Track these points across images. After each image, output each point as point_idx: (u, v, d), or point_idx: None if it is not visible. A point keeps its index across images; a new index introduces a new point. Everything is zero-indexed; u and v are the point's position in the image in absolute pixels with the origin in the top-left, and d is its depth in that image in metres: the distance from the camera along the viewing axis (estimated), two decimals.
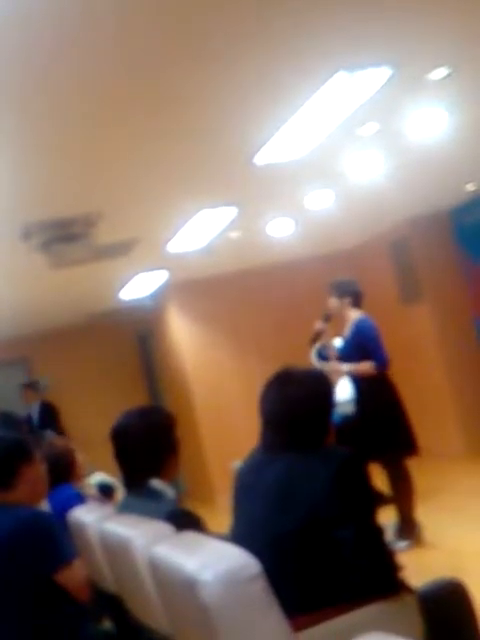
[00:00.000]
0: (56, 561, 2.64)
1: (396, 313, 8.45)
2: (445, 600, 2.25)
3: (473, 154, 5.89)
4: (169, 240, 6.46)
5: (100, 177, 4.64)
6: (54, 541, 2.66)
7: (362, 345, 5.05)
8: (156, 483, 2.76)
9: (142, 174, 4.70)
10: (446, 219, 8.17)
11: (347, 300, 5.19)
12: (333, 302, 5.25)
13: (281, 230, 6.85)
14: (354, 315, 5.19)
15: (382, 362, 5.01)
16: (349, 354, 5.10)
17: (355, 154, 5.24)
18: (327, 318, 5.26)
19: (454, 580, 2.34)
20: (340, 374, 5.00)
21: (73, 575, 2.65)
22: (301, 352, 5.54)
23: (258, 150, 4.64)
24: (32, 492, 2.86)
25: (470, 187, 7.21)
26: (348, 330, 5.21)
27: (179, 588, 1.74)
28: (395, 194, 6.48)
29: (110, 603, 2.77)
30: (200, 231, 6.25)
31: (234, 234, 6.70)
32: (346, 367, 5.03)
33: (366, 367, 5.00)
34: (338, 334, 5.36)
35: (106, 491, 3.92)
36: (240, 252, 7.58)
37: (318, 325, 5.25)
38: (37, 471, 2.91)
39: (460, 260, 8.17)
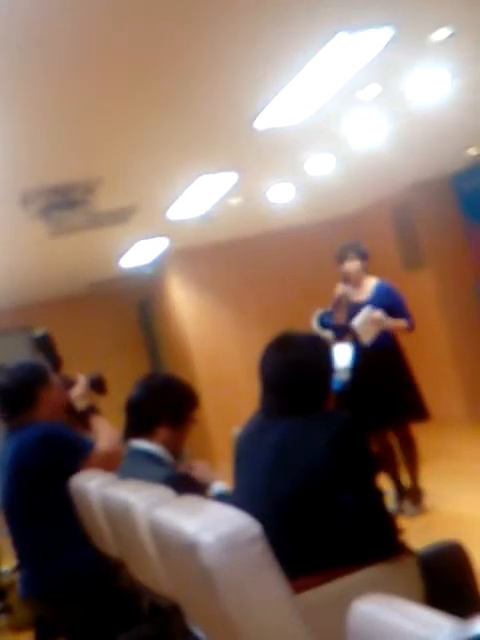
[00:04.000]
0: (79, 453, 2.95)
1: (398, 278, 8.38)
2: (445, 562, 2.27)
3: (475, 117, 5.82)
4: (169, 207, 6.41)
5: (99, 143, 4.60)
6: (73, 439, 2.99)
7: (389, 308, 5.00)
8: (153, 447, 2.78)
9: (141, 140, 4.65)
10: (448, 184, 8.10)
11: (366, 263, 5.20)
12: (355, 264, 5.14)
13: (281, 196, 6.80)
14: (371, 279, 5.19)
15: (412, 322, 5.07)
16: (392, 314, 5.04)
17: (356, 118, 5.19)
18: (346, 280, 5.16)
19: (454, 543, 2.35)
20: (380, 325, 4.92)
21: (97, 460, 2.95)
22: (302, 318, 5.52)
23: (258, 114, 4.58)
24: (51, 414, 3.05)
25: (472, 151, 7.15)
26: (367, 294, 5.13)
27: (180, 551, 1.74)
28: (396, 159, 6.42)
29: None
30: (200, 198, 6.20)
31: (234, 200, 6.66)
32: (390, 321, 4.96)
33: (402, 324, 5.02)
34: (320, 315, 5.31)
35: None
36: (240, 219, 7.54)
37: (339, 288, 5.11)
38: (55, 394, 3.12)
39: (462, 225, 8.12)
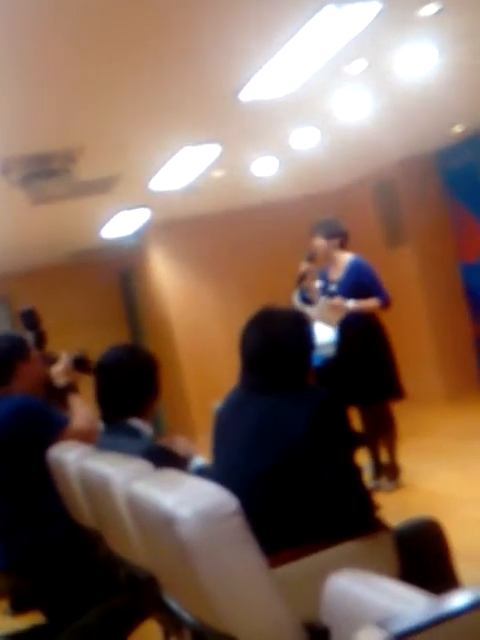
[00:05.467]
0: (53, 428, 2.95)
1: (380, 256, 8.40)
2: (421, 539, 2.29)
3: (461, 94, 5.80)
4: (151, 178, 6.36)
5: (81, 112, 4.53)
6: (48, 413, 3.00)
7: (361, 286, 4.99)
8: (134, 422, 2.77)
9: (124, 109, 4.60)
10: (432, 161, 8.10)
11: (335, 241, 5.11)
12: (320, 243, 5.12)
13: (265, 169, 6.76)
14: (345, 257, 5.13)
15: (386, 299, 5.01)
16: (347, 295, 5.03)
17: (342, 93, 5.15)
18: (311, 258, 5.16)
19: (430, 519, 2.37)
20: (342, 311, 4.91)
21: (71, 438, 2.94)
22: (284, 293, 5.52)
23: (243, 86, 4.54)
24: (29, 387, 3.06)
25: (457, 129, 7.13)
26: (341, 271, 5.13)
27: (157, 525, 1.74)
28: (381, 135, 6.40)
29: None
30: (183, 169, 6.15)
31: (218, 173, 6.61)
32: (351, 303, 4.93)
33: (372, 303, 4.96)
34: (318, 276, 5.31)
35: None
36: (224, 192, 7.49)
37: (303, 266, 5.16)
38: (33, 368, 3.11)
39: (445, 203, 8.13)
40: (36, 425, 2.96)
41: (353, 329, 4.92)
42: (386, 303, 5.02)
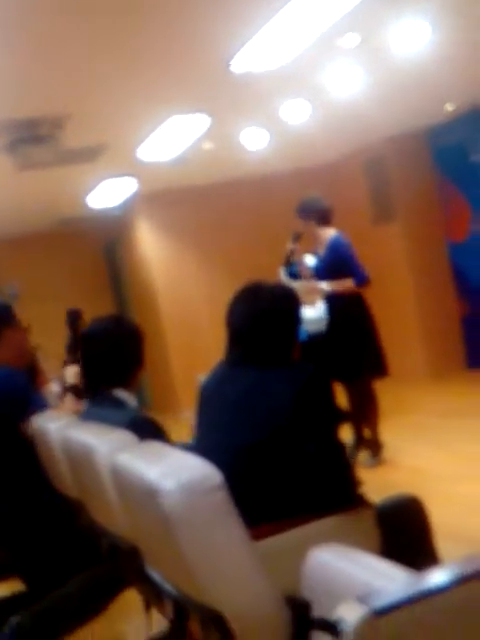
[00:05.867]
0: (27, 410, 2.93)
1: (368, 232, 8.42)
2: (402, 516, 2.31)
3: (454, 72, 5.77)
4: (138, 147, 6.29)
5: (69, 78, 4.46)
6: (27, 394, 2.99)
7: (338, 264, 4.98)
8: (119, 393, 2.76)
9: (112, 75, 4.53)
10: (423, 139, 8.07)
11: (312, 220, 5.09)
12: (299, 224, 5.14)
13: (255, 142, 6.71)
14: (326, 234, 5.11)
15: (362, 279, 4.97)
16: (325, 273, 5.03)
17: (334, 67, 5.10)
18: (296, 238, 5.17)
19: (411, 496, 2.39)
20: (318, 293, 4.93)
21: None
22: (271, 268, 5.51)
23: (234, 56, 4.48)
24: (15, 355, 3.08)
25: (449, 107, 7.10)
26: (323, 249, 5.14)
27: (141, 497, 1.74)
28: (373, 110, 6.36)
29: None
30: (171, 140, 6.09)
31: (207, 144, 6.56)
32: (325, 285, 4.95)
33: (347, 284, 4.94)
34: (309, 252, 5.30)
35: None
36: (212, 163, 7.44)
37: (289, 245, 5.17)
38: (20, 335, 3.14)
39: (434, 181, 8.11)
40: (15, 405, 2.97)
41: (336, 306, 4.94)
42: (362, 283, 4.97)
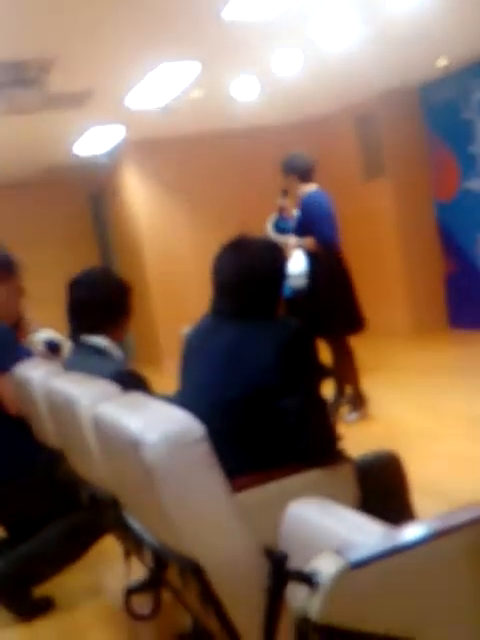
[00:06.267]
0: (9, 358, 2.94)
1: (357, 188, 8.38)
2: (380, 471, 2.33)
3: (448, 26, 5.68)
4: (127, 93, 6.18)
5: (56, 19, 4.35)
6: (8, 341, 3.01)
7: (308, 221, 5.01)
8: (103, 342, 2.76)
9: (102, 19, 4.42)
10: (414, 95, 7.98)
11: (293, 177, 5.11)
12: (283, 180, 5.18)
13: (245, 93, 6.61)
14: (305, 190, 5.12)
15: (323, 239, 4.96)
16: (297, 229, 5.08)
17: (328, 18, 5.01)
18: (285, 194, 5.21)
19: (390, 452, 2.42)
20: (292, 247, 4.97)
21: (6, 383, 2.94)
22: (260, 221, 5.49)
23: (226, 3, 4.38)
24: (3, 309, 3.08)
25: (441, 62, 7.01)
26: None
27: (122, 448, 1.75)
28: (365, 64, 6.27)
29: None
30: (160, 87, 5.99)
31: (196, 93, 6.45)
32: (293, 240, 4.99)
33: (309, 242, 4.97)
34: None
35: (53, 348, 3.92)
36: (202, 113, 7.33)
37: (278, 201, 5.22)
38: (11, 289, 3.14)
39: (425, 138, 8.05)
40: None
41: (314, 263, 4.96)
42: (323, 242, 4.96)
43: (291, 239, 5.01)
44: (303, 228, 5.01)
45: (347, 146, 8.42)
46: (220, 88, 6.41)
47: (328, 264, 5.00)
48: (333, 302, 4.97)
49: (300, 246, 4.97)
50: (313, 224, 4.97)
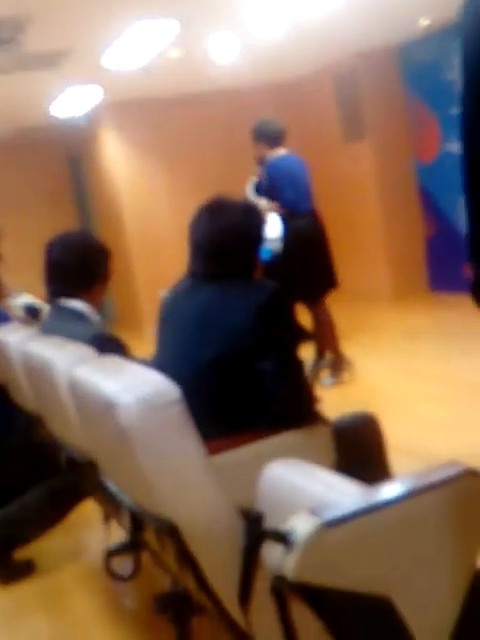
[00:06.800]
0: None
1: (337, 150, 8.33)
2: (357, 432, 2.35)
3: None
4: (104, 53, 6.07)
5: None
6: None
7: (271, 184, 5.05)
8: (80, 305, 2.74)
9: None
10: (395, 55, 7.90)
11: (262, 143, 5.16)
12: (254, 147, 5.23)
13: (225, 53, 6.52)
14: (271, 156, 5.14)
15: (284, 203, 4.98)
16: (264, 192, 5.11)
17: None
18: (260, 161, 5.22)
19: (367, 414, 2.43)
20: (265, 210, 4.97)
21: None
22: (239, 183, 5.44)
23: None
24: None
25: (423, 22, 6.93)
26: None
27: (98, 410, 1.74)
28: (345, 23, 6.18)
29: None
30: (138, 46, 5.88)
31: (175, 53, 6.35)
32: (264, 203, 5.00)
33: (274, 207, 5.01)
34: None
35: (32, 313, 3.90)
36: (181, 73, 7.22)
37: (257, 169, 5.23)
38: None
39: (406, 100, 7.99)
40: None
41: (290, 226, 4.96)
42: (285, 207, 4.97)
43: (262, 201, 5.00)
44: (269, 193, 5.03)
45: (327, 108, 8.35)
46: (199, 49, 6.31)
47: (302, 227, 5.01)
48: (308, 265, 4.99)
49: (271, 209, 4.97)
50: (275, 189, 5.02)
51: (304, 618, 1.51)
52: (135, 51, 5.99)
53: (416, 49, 7.66)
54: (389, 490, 1.58)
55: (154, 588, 2.63)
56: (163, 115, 8.37)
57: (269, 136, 5.18)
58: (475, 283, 1.02)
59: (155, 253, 8.38)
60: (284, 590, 1.44)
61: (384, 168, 8.02)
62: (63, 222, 8.49)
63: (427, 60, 7.59)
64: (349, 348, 5.33)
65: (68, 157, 9.91)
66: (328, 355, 5.23)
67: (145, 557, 2.44)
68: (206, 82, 7.86)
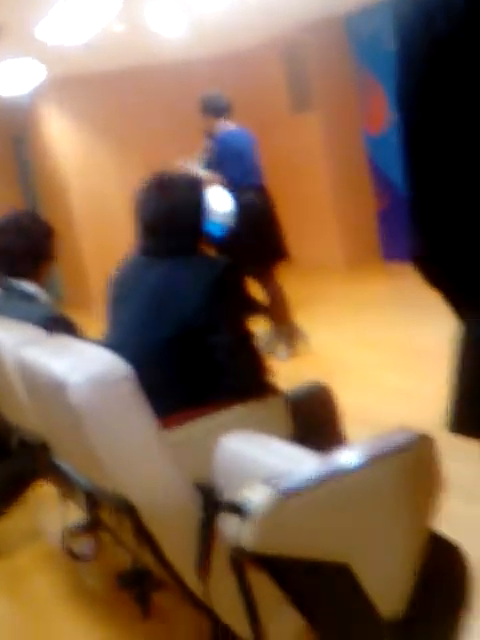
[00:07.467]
0: None
1: (286, 121, 8.30)
2: (312, 402, 2.36)
3: None
4: (43, 27, 5.91)
5: None
6: None
7: (217, 160, 5.07)
8: (29, 286, 2.71)
9: None
10: (342, 26, 7.87)
11: (210, 116, 5.15)
12: (201, 120, 5.23)
13: (169, 25, 6.42)
14: (218, 129, 5.13)
15: (231, 178, 4.96)
16: (213, 168, 5.09)
17: None
18: (209, 134, 5.20)
19: (321, 384, 2.44)
20: (207, 183, 4.94)
21: None
22: (187, 157, 5.39)
23: None
24: None
25: None
26: None
27: (48, 390, 1.72)
28: None
29: None
30: (80, 21, 5.75)
31: (119, 27, 6.23)
32: (208, 175, 4.98)
33: (215, 179, 4.98)
34: None
35: None
36: (125, 48, 7.10)
37: (205, 142, 5.20)
38: None
39: (353, 71, 7.98)
40: None
41: (240, 200, 4.94)
42: (230, 182, 4.95)
43: (207, 174, 4.97)
44: (216, 167, 5.03)
45: (275, 79, 8.30)
46: (143, 23, 6.20)
47: (250, 202, 5.00)
48: (257, 239, 4.99)
49: (216, 182, 4.94)
50: (222, 164, 5.02)
51: (263, 587, 1.51)
52: (77, 26, 5.86)
53: (363, 19, 7.64)
54: (344, 458, 1.59)
55: (115, 566, 2.62)
56: (109, 90, 8.24)
57: (216, 109, 5.17)
58: (415, 253, 1.02)
59: (103, 230, 8.28)
60: (242, 561, 1.44)
61: (333, 139, 8.02)
62: (8, 202, 8.33)
63: (374, 30, 7.58)
64: (303, 320, 5.35)
65: (12, 136, 9.70)
66: (282, 328, 5.24)
67: (105, 536, 2.43)
68: (152, 56, 7.74)
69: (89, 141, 8.37)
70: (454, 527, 1.74)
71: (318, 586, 1.51)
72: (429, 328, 4.92)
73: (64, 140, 8.34)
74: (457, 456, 1.88)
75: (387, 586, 1.58)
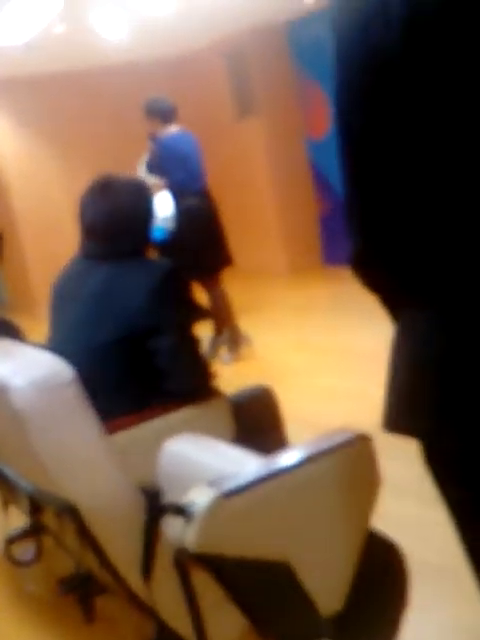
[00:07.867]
0: None
1: (229, 126, 8.34)
2: (255, 405, 2.39)
3: None
4: None
5: None
6: None
7: (160, 164, 5.07)
8: None
9: None
10: (284, 31, 7.95)
11: (155, 120, 5.15)
12: (146, 123, 5.22)
13: (113, 29, 6.39)
14: (162, 133, 5.14)
15: (174, 183, 4.98)
16: (156, 171, 5.09)
17: None
18: (153, 137, 5.19)
19: (263, 387, 2.48)
20: (154, 187, 4.95)
21: None
22: (132, 161, 5.39)
23: None
24: None
25: (309, 0, 7.00)
26: None
27: None
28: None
29: None
30: (19, 21, 5.68)
31: (59, 28, 6.18)
32: (153, 180, 4.98)
33: (163, 184, 5.00)
34: None
35: None
36: (67, 50, 7.04)
37: (149, 145, 5.20)
38: None
39: (295, 76, 8.07)
40: None
41: (181, 204, 4.96)
42: (174, 186, 4.98)
43: (152, 179, 4.98)
44: (159, 171, 5.04)
45: (218, 84, 8.34)
46: (85, 24, 6.17)
47: (193, 206, 5.02)
48: (200, 243, 5.01)
49: (160, 187, 4.95)
50: (165, 168, 5.03)
51: (206, 588, 1.54)
52: (16, 26, 5.80)
53: (304, 25, 7.74)
54: (284, 459, 1.62)
55: (57, 571, 2.61)
56: (52, 92, 8.16)
57: (160, 112, 5.17)
58: (353, 256, 1.06)
59: (47, 233, 8.19)
60: (185, 561, 1.46)
61: (275, 145, 8.09)
62: None
63: (315, 37, 7.67)
64: (246, 324, 5.39)
65: None
66: (225, 332, 5.27)
67: (47, 541, 2.42)
68: (95, 58, 7.70)
69: (31, 143, 8.27)
70: (387, 524, 1.79)
71: (259, 584, 1.54)
72: (369, 331, 5.01)
73: (6, 143, 8.23)
74: (394, 455, 1.93)
75: (326, 583, 1.62)
